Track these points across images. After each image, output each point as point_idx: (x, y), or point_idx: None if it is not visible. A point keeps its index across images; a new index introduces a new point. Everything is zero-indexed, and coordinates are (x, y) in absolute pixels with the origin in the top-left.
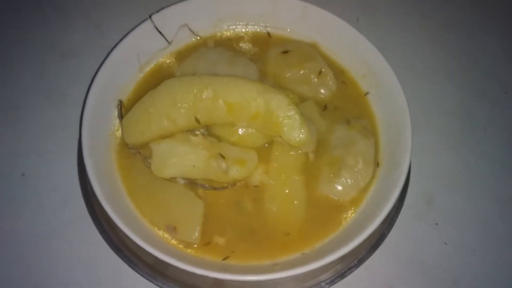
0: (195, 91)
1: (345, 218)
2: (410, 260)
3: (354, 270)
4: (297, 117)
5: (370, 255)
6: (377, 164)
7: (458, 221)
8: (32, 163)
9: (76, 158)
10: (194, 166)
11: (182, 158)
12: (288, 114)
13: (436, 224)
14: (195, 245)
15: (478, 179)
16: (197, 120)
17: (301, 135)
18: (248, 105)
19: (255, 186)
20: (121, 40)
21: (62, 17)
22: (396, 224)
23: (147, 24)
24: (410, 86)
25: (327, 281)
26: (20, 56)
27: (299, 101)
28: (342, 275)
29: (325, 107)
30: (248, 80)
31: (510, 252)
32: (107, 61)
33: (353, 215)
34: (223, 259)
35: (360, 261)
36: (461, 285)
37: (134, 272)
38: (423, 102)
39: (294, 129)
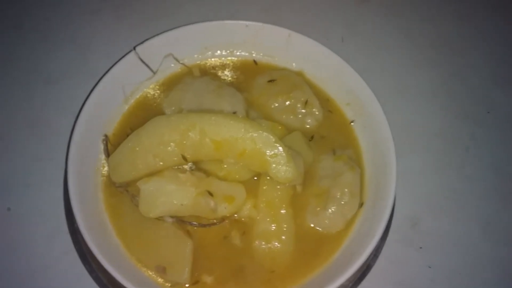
0: (182, 130)
1: (332, 251)
2: (396, 287)
3: None
4: (284, 154)
5: (357, 286)
6: (361, 204)
7: (442, 244)
8: (18, 196)
9: (62, 191)
10: (182, 204)
11: (170, 197)
12: (275, 151)
13: (421, 248)
14: (186, 285)
15: (461, 201)
16: (185, 158)
17: (288, 173)
18: (235, 143)
19: (244, 220)
20: (105, 73)
21: (46, 41)
22: (382, 250)
23: (132, 56)
24: (395, 107)
25: None
26: (2, 81)
27: (286, 132)
28: None
29: (312, 137)
30: (235, 117)
31: (494, 275)
32: (92, 96)
33: (340, 247)
34: None
35: None
36: None
37: None
38: (408, 124)
39: (281, 166)
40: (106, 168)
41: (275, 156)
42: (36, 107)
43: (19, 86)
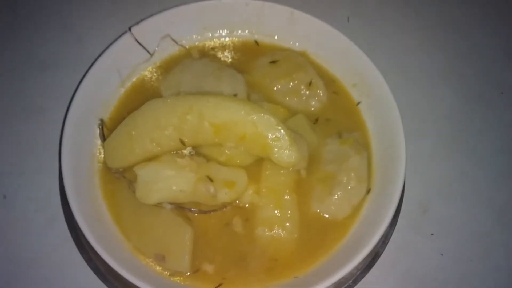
0: (179, 113)
1: (339, 238)
2: (406, 275)
3: None
4: (287, 138)
5: (365, 274)
6: (368, 190)
7: (454, 231)
8: (13, 184)
9: (58, 179)
10: (181, 190)
11: (168, 183)
12: (277, 135)
13: (432, 234)
14: (186, 273)
15: (473, 186)
16: (183, 142)
17: (291, 157)
18: (235, 126)
19: (246, 207)
20: (99, 55)
21: (39, 27)
22: (391, 237)
23: (127, 37)
24: (403, 90)
25: None
26: None
27: (289, 114)
28: None
29: (316, 120)
30: (234, 99)
31: (507, 261)
32: (85, 79)
33: (346, 235)
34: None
35: (355, 282)
36: None
37: None
38: (417, 107)
39: (283, 150)
40: (102, 154)
41: (277, 140)
42: (31, 94)
43: (13, 73)
